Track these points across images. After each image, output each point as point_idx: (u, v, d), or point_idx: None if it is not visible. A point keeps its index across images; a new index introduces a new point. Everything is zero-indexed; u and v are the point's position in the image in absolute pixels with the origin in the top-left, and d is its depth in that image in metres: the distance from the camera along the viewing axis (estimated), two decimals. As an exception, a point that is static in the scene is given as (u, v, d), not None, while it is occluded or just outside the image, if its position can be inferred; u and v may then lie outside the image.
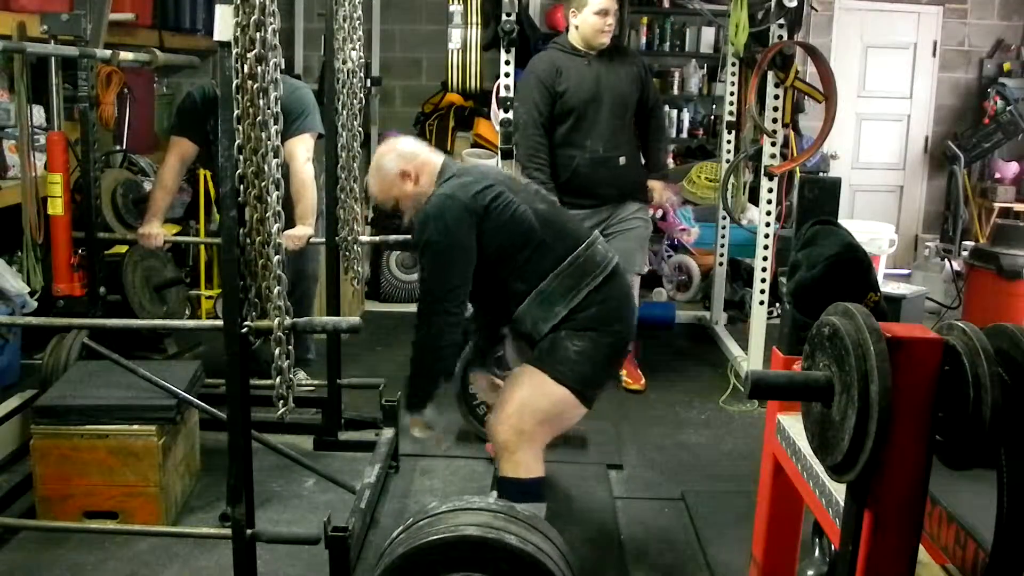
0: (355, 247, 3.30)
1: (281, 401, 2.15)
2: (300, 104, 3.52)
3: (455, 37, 5.54)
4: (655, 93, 4.15)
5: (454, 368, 2.53)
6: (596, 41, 3.80)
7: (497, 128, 4.15)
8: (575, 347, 2.38)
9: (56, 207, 3.25)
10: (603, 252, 2.49)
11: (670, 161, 5.82)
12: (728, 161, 4.76)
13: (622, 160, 3.90)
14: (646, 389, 4.18)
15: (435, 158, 2.56)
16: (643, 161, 4.05)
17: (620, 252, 3.97)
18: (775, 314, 4.68)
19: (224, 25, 1.91)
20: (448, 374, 2.52)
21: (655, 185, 4.02)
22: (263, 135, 1.97)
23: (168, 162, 3.64)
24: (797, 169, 4.36)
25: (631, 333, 2.56)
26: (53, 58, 3.22)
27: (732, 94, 4.77)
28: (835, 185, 3.69)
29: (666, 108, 5.69)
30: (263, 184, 2.01)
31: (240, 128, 1.96)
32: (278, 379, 2.12)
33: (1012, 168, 6.34)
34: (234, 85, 1.94)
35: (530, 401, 2.38)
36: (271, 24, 1.94)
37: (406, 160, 2.50)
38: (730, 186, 4.63)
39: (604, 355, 2.43)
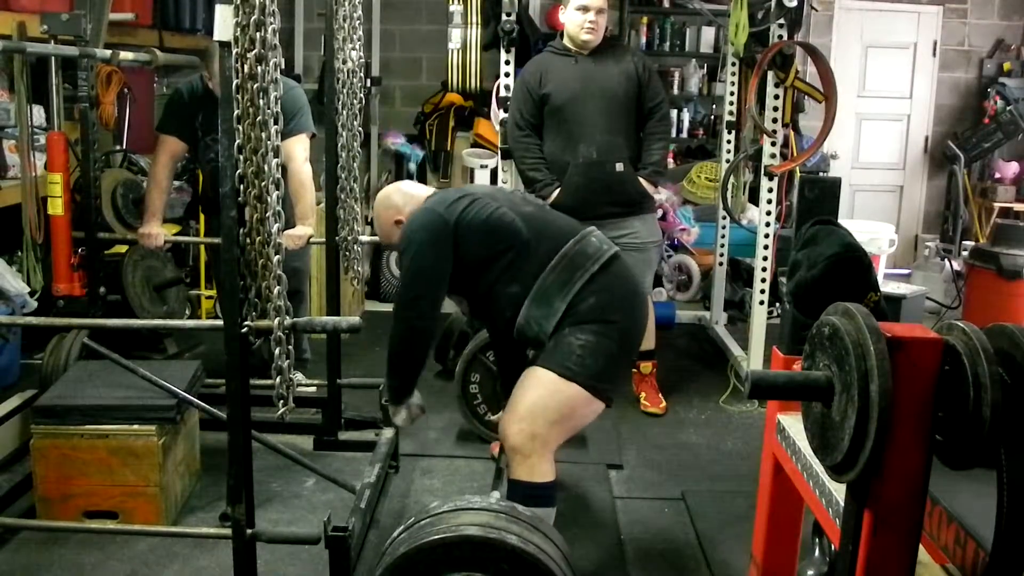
0: (355, 247, 3.31)
1: (281, 401, 2.16)
2: (294, 104, 3.50)
3: (455, 37, 5.55)
4: (656, 92, 3.77)
5: (423, 363, 2.58)
6: (580, 38, 3.63)
7: (497, 128, 4.14)
8: (579, 341, 2.33)
9: (56, 207, 3.26)
10: (596, 244, 2.46)
11: (669, 162, 5.76)
12: (728, 161, 4.76)
13: (619, 167, 3.65)
14: (666, 413, 3.93)
15: (423, 193, 2.62)
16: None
17: None
18: (775, 314, 4.68)
19: (224, 25, 1.91)
20: (417, 369, 2.58)
21: (640, 182, 3.70)
22: (263, 135, 1.98)
23: (159, 160, 3.63)
24: (797, 169, 4.36)
25: (637, 324, 2.51)
26: (53, 58, 3.23)
27: (732, 94, 4.76)
28: (835, 185, 3.69)
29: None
30: (263, 184, 2.01)
31: (240, 128, 1.97)
32: (278, 379, 2.13)
33: (1012, 168, 6.34)
34: (234, 85, 1.94)
35: (541, 402, 2.32)
36: (271, 24, 1.95)
37: (397, 210, 2.59)
38: (730, 186, 4.63)
39: (612, 347, 2.36)
